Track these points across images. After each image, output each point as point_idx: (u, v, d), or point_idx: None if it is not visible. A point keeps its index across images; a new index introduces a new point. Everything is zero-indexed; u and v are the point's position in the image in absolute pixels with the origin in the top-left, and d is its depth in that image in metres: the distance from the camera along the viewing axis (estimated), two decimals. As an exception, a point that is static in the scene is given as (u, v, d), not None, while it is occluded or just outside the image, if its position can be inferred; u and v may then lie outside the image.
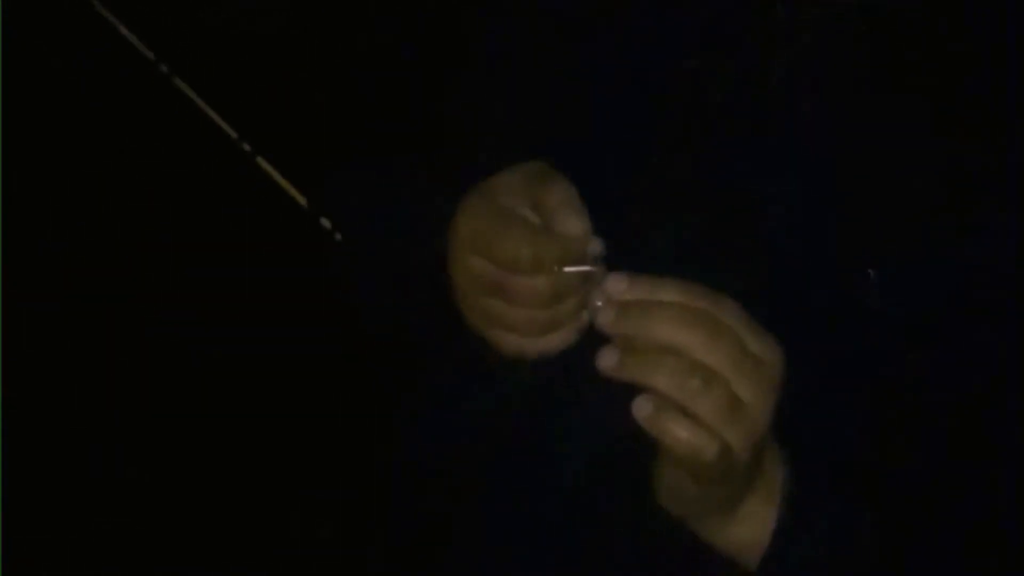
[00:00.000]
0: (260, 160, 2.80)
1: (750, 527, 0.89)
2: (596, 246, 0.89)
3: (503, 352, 0.92)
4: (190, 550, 2.32)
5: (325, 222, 2.88)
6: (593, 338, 0.86)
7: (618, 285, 0.82)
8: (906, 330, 0.91)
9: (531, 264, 0.87)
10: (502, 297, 0.90)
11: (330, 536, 2.22)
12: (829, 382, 0.92)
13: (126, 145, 2.79)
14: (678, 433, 0.81)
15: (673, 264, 0.92)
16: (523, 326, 0.90)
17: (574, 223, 0.88)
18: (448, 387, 1.08)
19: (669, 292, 0.81)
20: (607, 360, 0.82)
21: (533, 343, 0.91)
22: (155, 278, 2.62)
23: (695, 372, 0.80)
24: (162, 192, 2.74)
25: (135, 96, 2.89)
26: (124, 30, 2.95)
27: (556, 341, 0.91)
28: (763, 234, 0.94)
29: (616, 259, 0.93)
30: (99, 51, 2.94)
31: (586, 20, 1.01)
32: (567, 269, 0.88)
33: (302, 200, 2.79)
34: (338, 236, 1.09)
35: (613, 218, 0.95)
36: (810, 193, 0.94)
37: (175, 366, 2.52)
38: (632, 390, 0.82)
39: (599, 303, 0.83)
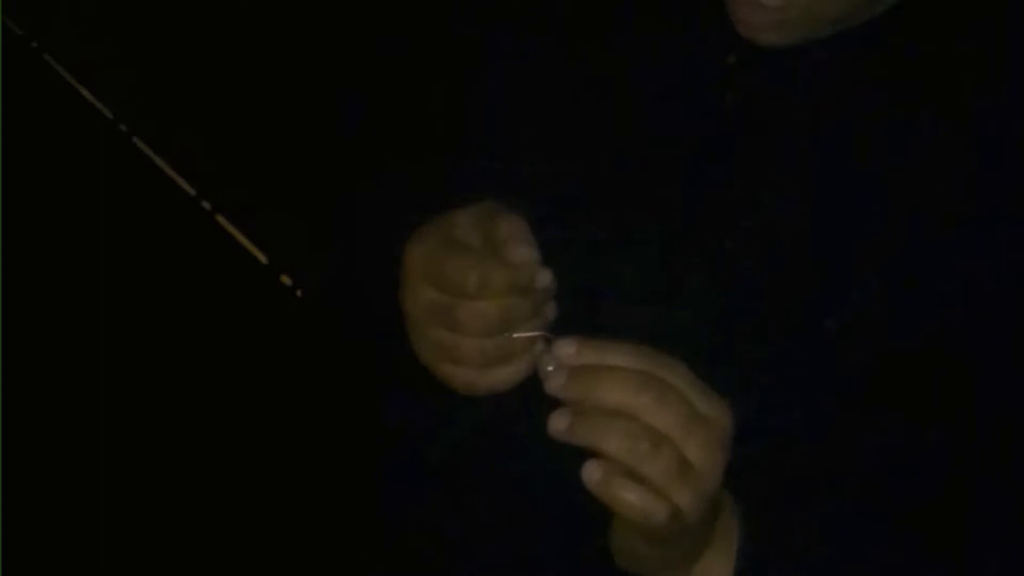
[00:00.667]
0: (220, 218, 2.83)
1: None
2: (545, 276, 0.90)
3: (453, 386, 0.93)
4: (190, 551, 2.31)
5: (285, 279, 3.00)
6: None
7: (567, 349, 0.84)
8: (874, 356, 0.93)
9: (477, 288, 0.88)
10: (451, 326, 0.91)
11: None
12: (793, 406, 0.94)
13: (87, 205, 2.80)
14: (627, 498, 0.82)
15: (642, 288, 0.97)
16: (472, 357, 0.91)
17: (523, 252, 0.89)
18: (417, 419, 1.09)
19: (618, 356, 0.83)
20: (558, 424, 0.83)
21: (482, 376, 0.91)
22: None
23: (644, 436, 0.81)
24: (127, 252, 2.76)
25: (96, 157, 2.91)
26: (85, 91, 3.00)
27: (506, 374, 0.91)
28: (731, 258, 0.96)
29: (587, 285, 0.96)
30: (59, 111, 2.98)
31: (565, 48, 1.03)
32: (516, 335, 0.89)
33: (263, 258, 2.80)
34: (298, 293, 1.09)
35: (584, 243, 0.98)
36: (775, 217, 0.95)
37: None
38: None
39: (550, 368, 0.85)
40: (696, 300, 0.97)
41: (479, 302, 0.89)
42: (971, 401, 0.93)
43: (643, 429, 0.81)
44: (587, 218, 1.00)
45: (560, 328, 0.91)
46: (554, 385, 0.84)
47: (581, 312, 0.95)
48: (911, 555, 0.94)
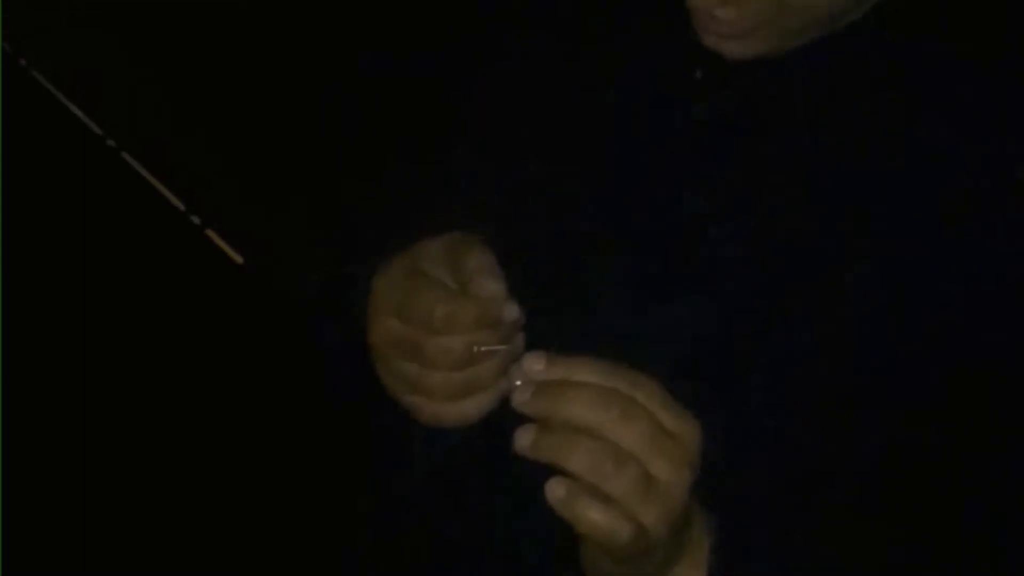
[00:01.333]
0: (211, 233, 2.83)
1: None
2: (512, 311, 0.89)
3: (420, 418, 0.92)
4: (189, 551, 2.34)
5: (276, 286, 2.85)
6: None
7: (534, 365, 0.82)
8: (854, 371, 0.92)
9: (444, 323, 0.87)
10: (417, 359, 0.90)
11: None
12: (787, 410, 0.93)
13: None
14: (591, 516, 0.80)
15: (621, 303, 0.96)
16: (438, 390, 0.90)
17: (490, 286, 0.88)
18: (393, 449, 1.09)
19: (585, 372, 0.81)
20: (522, 440, 0.82)
21: (449, 408, 0.91)
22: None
23: (608, 453, 0.80)
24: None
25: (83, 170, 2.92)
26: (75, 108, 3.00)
27: (473, 407, 0.90)
28: (709, 272, 0.95)
29: (565, 302, 0.96)
30: (49, 128, 2.98)
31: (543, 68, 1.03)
32: (483, 348, 0.88)
33: (237, 258, 2.79)
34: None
35: (564, 259, 0.98)
36: (751, 230, 0.94)
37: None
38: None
39: (518, 382, 0.83)
40: (674, 309, 0.95)
41: (445, 337, 0.87)
42: (972, 402, 0.91)
43: (607, 446, 0.79)
44: (562, 230, 0.99)
45: (544, 334, 0.89)
46: (519, 400, 0.82)
47: (562, 317, 0.96)
48: (902, 564, 0.93)
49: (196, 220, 2.83)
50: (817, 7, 0.90)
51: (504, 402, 0.88)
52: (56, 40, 3.15)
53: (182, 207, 2.85)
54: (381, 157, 1.18)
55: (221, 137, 2.91)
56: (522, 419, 0.83)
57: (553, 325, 0.93)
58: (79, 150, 2.98)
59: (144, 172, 2.91)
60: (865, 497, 0.93)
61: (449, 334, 0.88)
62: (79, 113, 3.02)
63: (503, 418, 0.89)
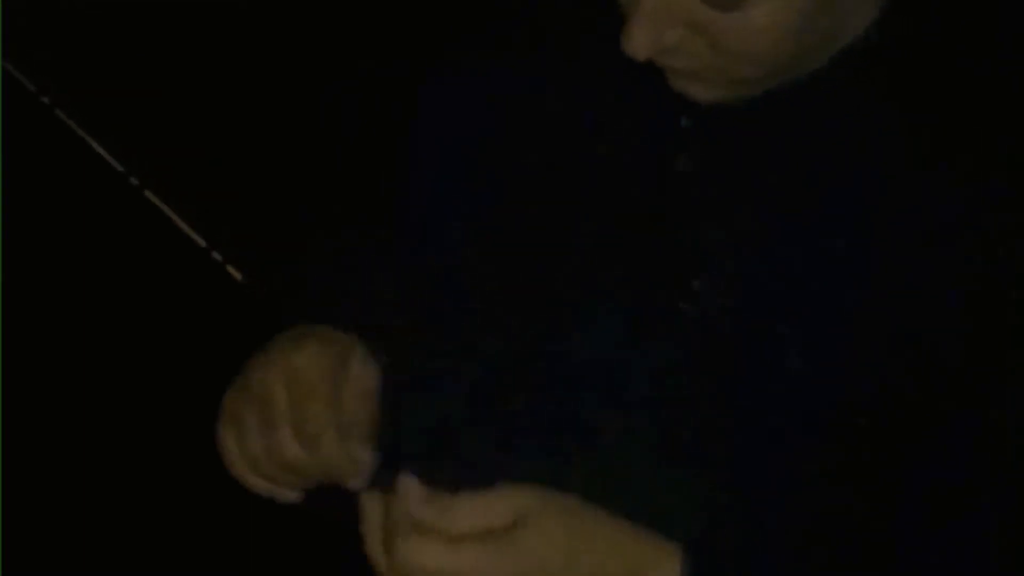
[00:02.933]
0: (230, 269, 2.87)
1: None
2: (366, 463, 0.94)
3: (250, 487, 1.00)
4: (188, 551, 2.36)
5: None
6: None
7: (412, 496, 0.85)
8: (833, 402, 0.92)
9: (311, 441, 0.93)
10: (266, 438, 0.96)
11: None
12: (762, 448, 0.93)
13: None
14: None
15: (604, 345, 0.96)
16: (268, 473, 0.97)
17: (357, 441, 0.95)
18: None
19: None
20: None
21: (256, 482, 0.98)
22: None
23: None
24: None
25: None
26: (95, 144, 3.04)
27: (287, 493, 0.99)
28: (690, 313, 0.95)
29: (545, 346, 0.97)
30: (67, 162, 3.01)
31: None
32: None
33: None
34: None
35: (545, 302, 0.98)
36: (729, 275, 0.94)
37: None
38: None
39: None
40: (657, 353, 0.95)
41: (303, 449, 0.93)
42: (940, 443, 0.90)
43: None
44: (544, 280, 0.98)
45: (525, 377, 0.94)
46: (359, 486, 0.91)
47: (540, 364, 0.97)
48: None
49: (200, 240, 2.87)
50: (759, 56, 0.89)
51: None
52: (53, 51, 3.17)
53: (183, 224, 2.89)
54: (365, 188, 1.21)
55: (220, 150, 2.94)
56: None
57: (532, 374, 0.96)
58: (80, 166, 3.01)
59: (164, 207, 2.94)
60: (835, 539, 0.92)
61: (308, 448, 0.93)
62: (79, 130, 3.07)
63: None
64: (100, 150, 3.03)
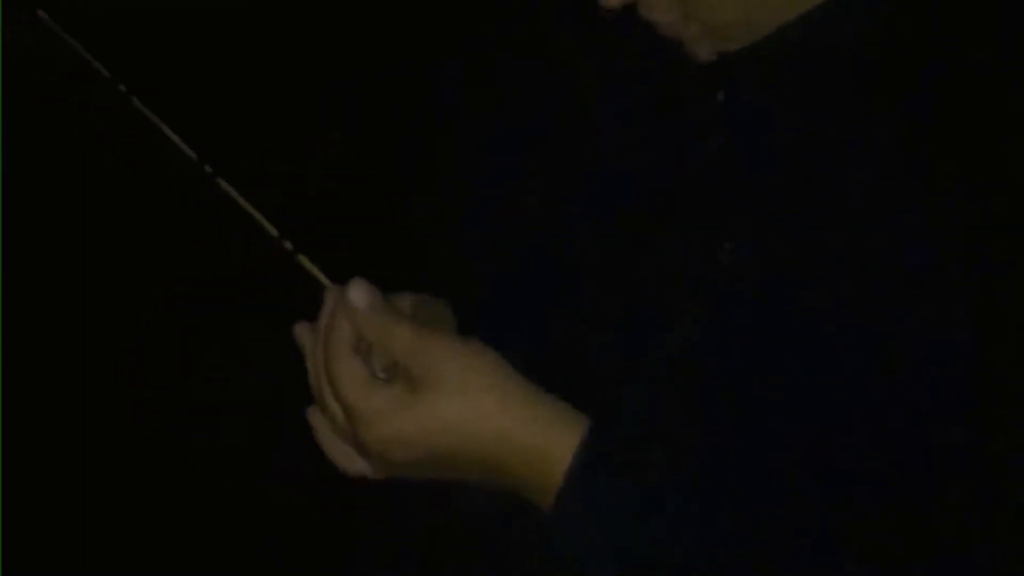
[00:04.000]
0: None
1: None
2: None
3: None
4: (188, 551, 2.37)
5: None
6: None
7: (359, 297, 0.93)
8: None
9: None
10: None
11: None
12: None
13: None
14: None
15: (618, 325, 0.98)
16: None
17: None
18: None
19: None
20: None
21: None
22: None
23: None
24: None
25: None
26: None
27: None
28: (716, 294, 0.95)
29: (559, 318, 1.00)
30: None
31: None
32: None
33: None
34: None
35: (564, 275, 1.01)
36: (760, 253, 0.94)
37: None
38: None
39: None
40: (676, 331, 0.95)
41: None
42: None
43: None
44: (563, 254, 1.01)
45: (541, 341, 0.96)
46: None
47: (555, 330, 0.99)
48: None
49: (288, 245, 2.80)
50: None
51: None
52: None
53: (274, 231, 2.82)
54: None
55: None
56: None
57: (550, 336, 0.99)
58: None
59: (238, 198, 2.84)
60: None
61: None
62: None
63: None
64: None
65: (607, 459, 0.91)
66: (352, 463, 0.97)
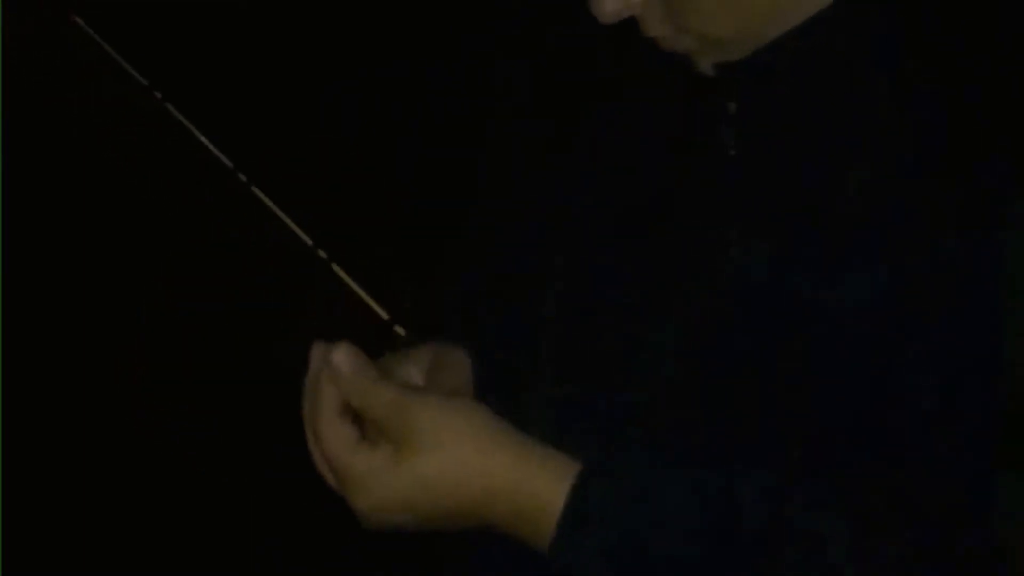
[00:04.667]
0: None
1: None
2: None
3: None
4: (188, 551, 2.36)
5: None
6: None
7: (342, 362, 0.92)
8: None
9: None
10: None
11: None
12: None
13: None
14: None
15: (633, 318, 0.98)
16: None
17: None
18: None
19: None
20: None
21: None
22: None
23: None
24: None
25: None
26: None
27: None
28: (729, 293, 0.96)
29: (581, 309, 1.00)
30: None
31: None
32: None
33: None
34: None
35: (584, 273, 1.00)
36: (775, 256, 0.95)
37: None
38: None
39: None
40: (689, 327, 0.96)
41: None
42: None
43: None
44: (584, 258, 1.01)
45: (561, 335, 0.97)
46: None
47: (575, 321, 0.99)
48: None
49: (323, 254, 2.67)
50: (700, 4, 0.91)
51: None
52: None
53: (308, 240, 2.69)
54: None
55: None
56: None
57: (571, 328, 0.99)
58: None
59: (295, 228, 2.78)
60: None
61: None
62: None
63: None
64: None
65: (599, 505, 0.91)
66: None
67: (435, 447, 0.90)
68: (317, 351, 0.94)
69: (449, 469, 0.91)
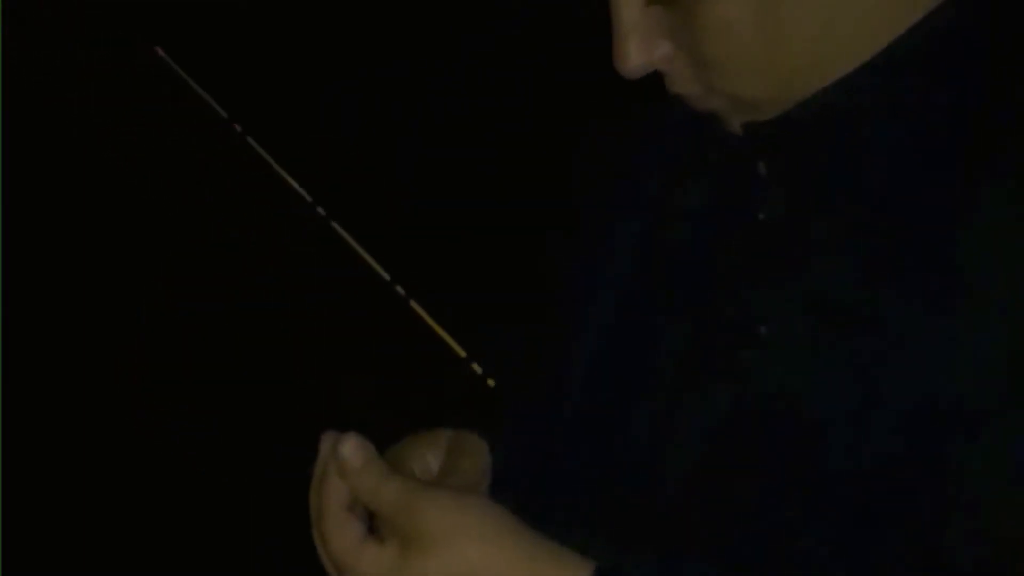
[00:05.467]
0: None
1: None
2: None
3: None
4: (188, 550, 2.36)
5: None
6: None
7: (351, 455, 0.91)
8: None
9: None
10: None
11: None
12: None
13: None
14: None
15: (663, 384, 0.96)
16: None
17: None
18: None
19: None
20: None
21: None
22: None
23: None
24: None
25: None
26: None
27: None
28: (751, 363, 0.93)
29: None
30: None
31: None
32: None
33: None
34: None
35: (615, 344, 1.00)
36: (804, 322, 0.91)
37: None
38: None
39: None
40: (713, 407, 0.93)
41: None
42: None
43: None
44: (619, 322, 0.99)
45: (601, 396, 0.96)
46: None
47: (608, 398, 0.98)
48: None
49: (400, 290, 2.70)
50: (731, 60, 0.88)
51: None
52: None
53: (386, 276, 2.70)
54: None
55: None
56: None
57: (612, 396, 0.98)
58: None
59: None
60: None
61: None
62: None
63: None
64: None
65: None
66: None
67: (443, 546, 0.88)
68: (326, 441, 0.92)
69: (457, 569, 0.88)
